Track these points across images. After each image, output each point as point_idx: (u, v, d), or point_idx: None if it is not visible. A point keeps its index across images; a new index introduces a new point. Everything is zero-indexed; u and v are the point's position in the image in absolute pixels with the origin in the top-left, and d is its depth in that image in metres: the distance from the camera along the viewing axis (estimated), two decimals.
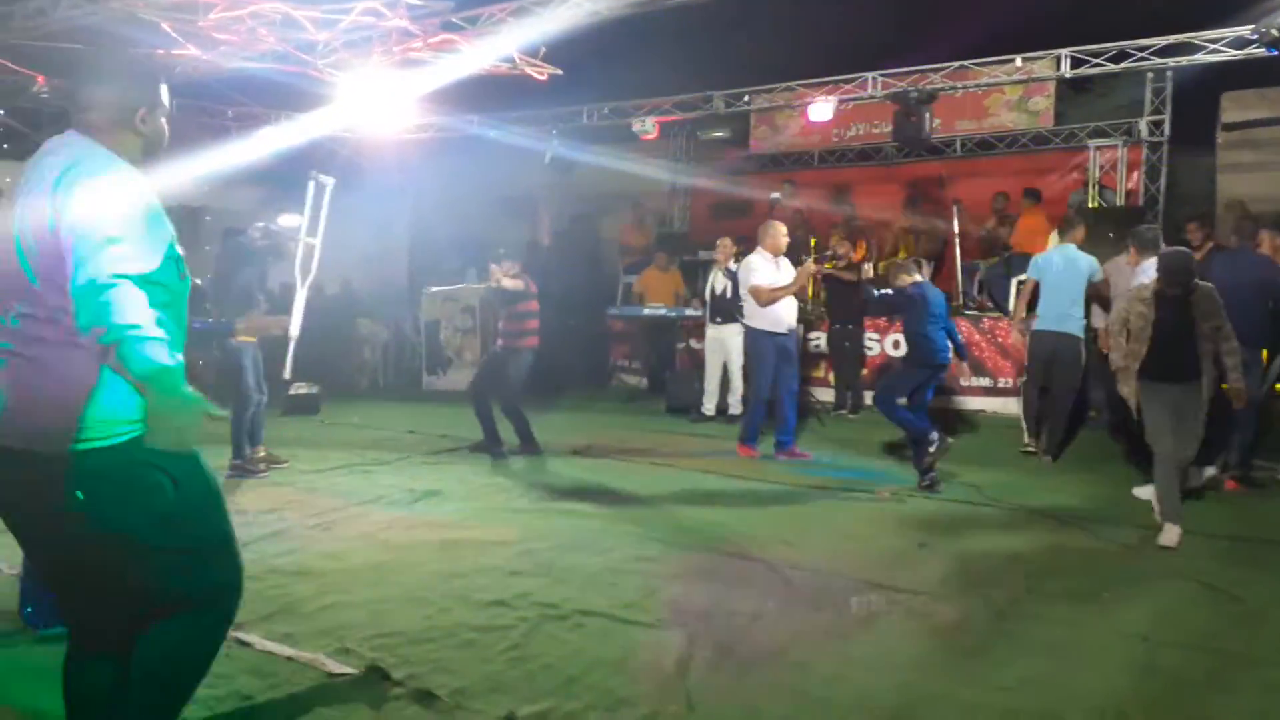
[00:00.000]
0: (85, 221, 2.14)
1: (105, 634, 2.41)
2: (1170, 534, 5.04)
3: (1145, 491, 5.87)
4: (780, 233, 7.56)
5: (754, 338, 7.52)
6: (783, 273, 7.48)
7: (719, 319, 9.25)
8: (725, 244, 9.42)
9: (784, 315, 7.46)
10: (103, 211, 2.16)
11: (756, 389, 7.56)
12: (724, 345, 9.23)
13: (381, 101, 9.09)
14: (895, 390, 6.70)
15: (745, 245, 11.72)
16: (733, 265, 9.39)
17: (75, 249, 2.12)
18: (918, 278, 6.72)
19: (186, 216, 13.75)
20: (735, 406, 9.33)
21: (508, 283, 7.06)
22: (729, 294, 9.17)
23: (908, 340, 6.82)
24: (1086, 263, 7.30)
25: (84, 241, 2.12)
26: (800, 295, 8.01)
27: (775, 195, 12.05)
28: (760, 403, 7.53)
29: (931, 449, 6.42)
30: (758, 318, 7.43)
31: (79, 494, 2.22)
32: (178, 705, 2.43)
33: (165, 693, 2.39)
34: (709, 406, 9.43)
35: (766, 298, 7.30)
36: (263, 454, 6.87)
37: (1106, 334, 7.44)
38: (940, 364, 6.61)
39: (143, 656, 2.34)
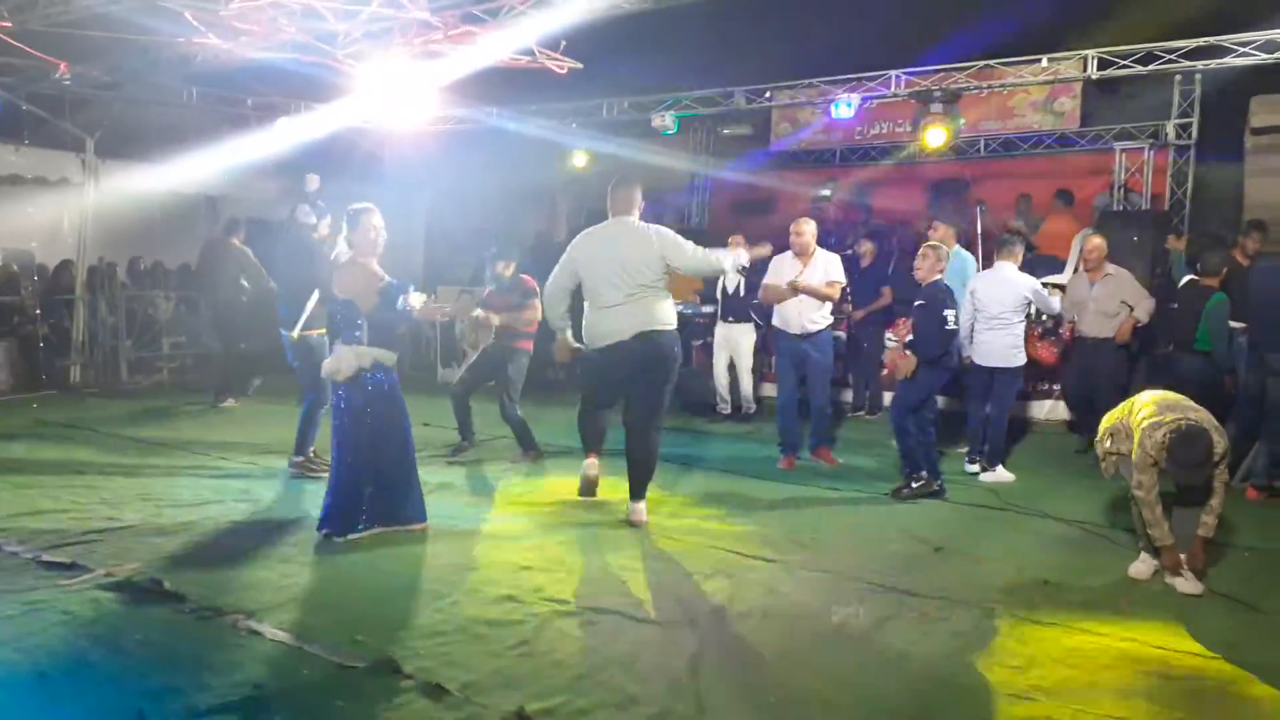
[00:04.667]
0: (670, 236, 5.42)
1: (642, 421, 5.42)
2: (1142, 566, 4.77)
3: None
4: (795, 231, 7.17)
5: (773, 338, 7.45)
6: (811, 270, 7.00)
7: (731, 318, 9.17)
8: (738, 241, 9.35)
9: (798, 318, 7.00)
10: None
11: (777, 392, 7.36)
12: (733, 344, 9.16)
13: (401, 93, 9.08)
14: (915, 402, 6.25)
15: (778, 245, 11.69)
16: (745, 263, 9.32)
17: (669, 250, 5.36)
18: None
19: (205, 206, 13.83)
20: (749, 404, 9.27)
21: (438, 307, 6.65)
22: (741, 292, 9.10)
23: (932, 339, 6.17)
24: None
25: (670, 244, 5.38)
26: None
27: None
28: (781, 406, 7.20)
29: (915, 485, 6.22)
30: (775, 318, 7.26)
31: (649, 358, 5.29)
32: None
33: (655, 458, 5.54)
34: (724, 405, 9.37)
35: (768, 299, 7.21)
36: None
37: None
38: (956, 366, 6.41)
39: (647, 441, 5.43)
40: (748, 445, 8.03)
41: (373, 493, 5.11)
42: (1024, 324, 6.80)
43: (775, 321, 7.25)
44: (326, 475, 6.36)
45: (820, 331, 7.06)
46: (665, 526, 5.48)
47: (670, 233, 5.45)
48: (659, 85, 10.80)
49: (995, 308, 6.71)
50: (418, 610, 4.05)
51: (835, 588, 4.51)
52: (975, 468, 6.97)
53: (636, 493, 5.51)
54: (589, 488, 5.63)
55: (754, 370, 9.57)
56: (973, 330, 6.91)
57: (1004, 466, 6.92)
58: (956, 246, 7.78)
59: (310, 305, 6.47)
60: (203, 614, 3.92)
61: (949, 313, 6.11)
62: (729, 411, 9.34)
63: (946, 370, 6.34)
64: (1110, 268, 7.25)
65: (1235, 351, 7.09)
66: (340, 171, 12.79)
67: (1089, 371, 7.35)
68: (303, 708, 3.17)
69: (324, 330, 6.54)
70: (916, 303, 6.34)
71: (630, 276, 5.29)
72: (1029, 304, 6.88)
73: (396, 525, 5.16)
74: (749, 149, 13.98)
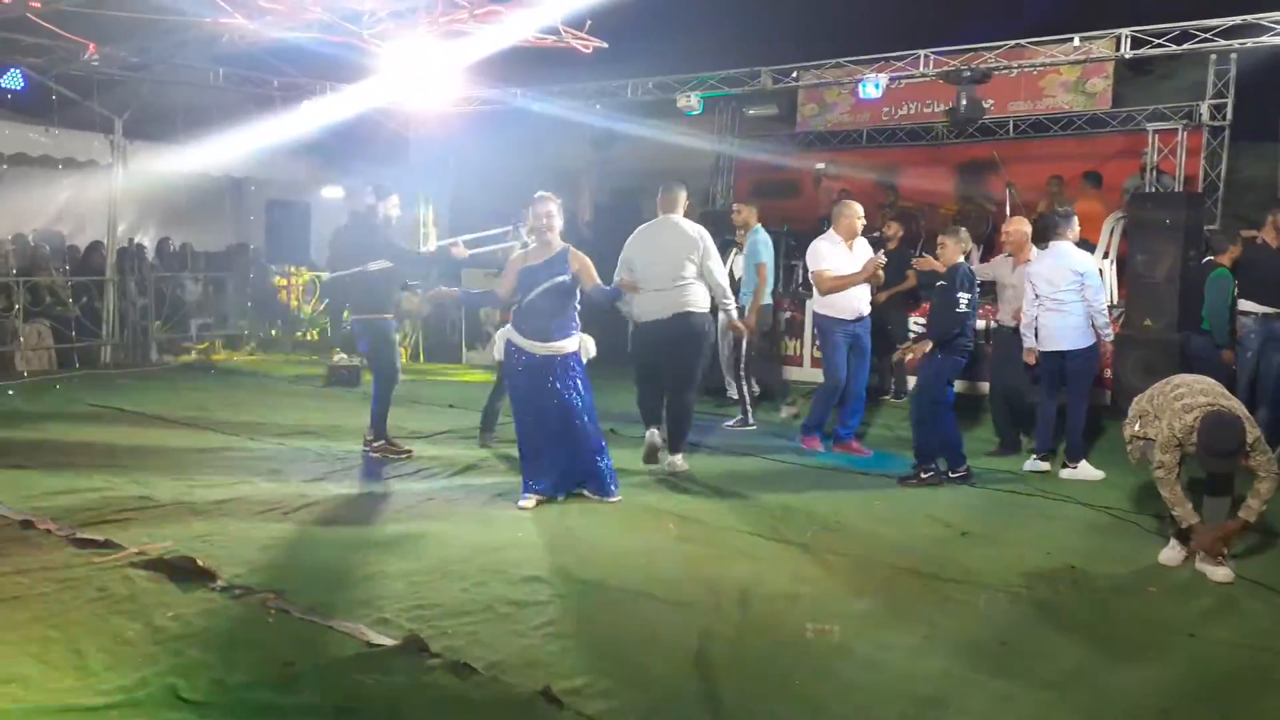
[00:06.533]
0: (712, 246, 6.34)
1: (676, 385, 6.21)
2: (1172, 553, 4.71)
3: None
4: (856, 214, 6.98)
5: (822, 325, 7.12)
6: (855, 255, 6.97)
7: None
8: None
9: (854, 302, 6.93)
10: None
11: (826, 377, 7.11)
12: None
13: (426, 74, 9.07)
14: (937, 389, 6.21)
15: (793, 224, 11.57)
16: None
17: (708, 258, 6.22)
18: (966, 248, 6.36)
19: (230, 187, 13.90)
20: (756, 388, 9.21)
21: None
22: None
23: (943, 319, 6.18)
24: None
25: (710, 253, 6.25)
26: (873, 283, 7.28)
27: (820, 166, 11.83)
28: (829, 392, 7.06)
29: (924, 476, 6.15)
30: (825, 304, 6.98)
31: (683, 335, 6.10)
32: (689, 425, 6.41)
33: (689, 418, 6.35)
34: (733, 390, 9.34)
35: (828, 286, 6.86)
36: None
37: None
38: (971, 351, 6.34)
39: (682, 403, 6.22)
40: (764, 428, 8.02)
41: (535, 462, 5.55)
42: (1083, 303, 6.33)
43: (824, 310, 6.98)
44: (403, 458, 6.47)
45: (868, 315, 7.10)
46: (689, 508, 5.49)
47: (712, 243, 6.34)
48: (684, 65, 10.72)
49: (1048, 288, 6.42)
50: (445, 590, 4.08)
51: (860, 571, 4.50)
52: (1045, 465, 6.57)
53: (674, 447, 6.29)
54: (651, 454, 6.25)
55: (777, 353, 9.52)
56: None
57: (1088, 462, 6.50)
58: (757, 226, 8.01)
59: (379, 264, 6.44)
60: (234, 592, 3.97)
61: (963, 295, 6.06)
62: (738, 397, 9.31)
63: (963, 355, 6.23)
64: (1034, 252, 6.86)
65: (1249, 333, 6.95)
66: (365, 152, 12.83)
67: (1007, 363, 7.01)
68: (332, 685, 3.20)
69: (389, 315, 6.60)
70: (938, 283, 6.29)
71: (671, 267, 6.11)
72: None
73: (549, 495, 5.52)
74: (775, 130, 13.87)
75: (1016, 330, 6.80)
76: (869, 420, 8.41)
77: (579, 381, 5.53)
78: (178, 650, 3.42)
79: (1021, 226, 7.00)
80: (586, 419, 5.54)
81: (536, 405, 5.48)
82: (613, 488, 5.60)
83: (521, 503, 5.44)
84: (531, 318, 5.44)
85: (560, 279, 5.43)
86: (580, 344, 5.56)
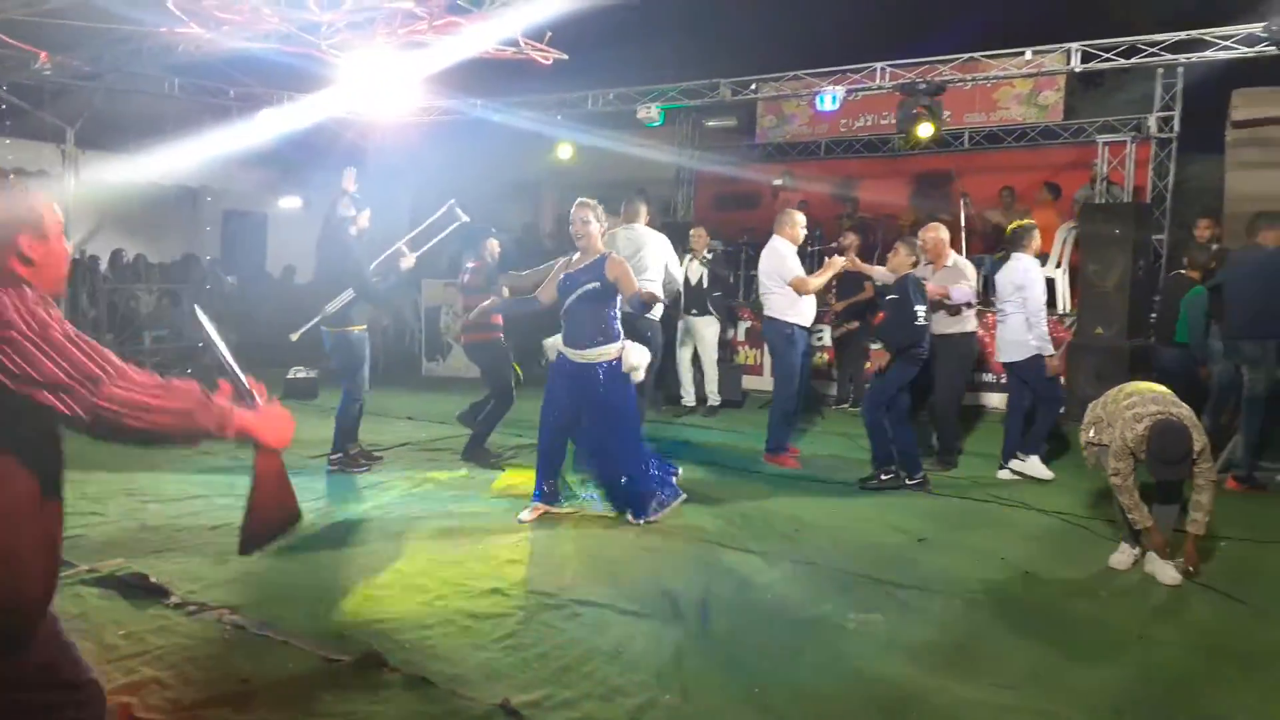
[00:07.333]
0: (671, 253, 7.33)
1: None
2: (1122, 557, 4.80)
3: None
4: (799, 223, 7.07)
5: (789, 333, 6.88)
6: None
7: (694, 310, 9.14)
8: (700, 233, 9.38)
9: (810, 309, 7.03)
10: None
11: (786, 391, 6.95)
12: (697, 336, 9.16)
13: (385, 84, 9.02)
14: (887, 395, 6.27)
15: (753, 235, 11.65)
16: (708, 254, 9.33)
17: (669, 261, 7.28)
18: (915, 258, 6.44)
19: (185, 197, 13.73)
20: (714, 397, 9.26)
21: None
22: (704, 284, 9.11)
23: (901, 331, 6.19)
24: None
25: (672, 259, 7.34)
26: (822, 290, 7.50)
27: (777, 181, 11.95)
28: (790, 410, 7.00)
29: (884, 478, 6.27)
30: (792, 311, 6.85)
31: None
32: None
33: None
34: (689, 398, 9.39)
35: (811, 289, 6.81)
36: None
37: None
38: (927, 358, 6.36)
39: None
40: (724, 437, 8.06)
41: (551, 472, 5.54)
42: (1020, 316, 6.49)
43: (795, 318, 6.89)
44: (367, 470, 6.40)
45: None
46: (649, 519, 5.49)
47: (671, 249, 6.93)
48: (644, 77, 10.78)
49: (1001, 298, 6.69)
50: (403, 604, 4.05)
51: (818, 579, 4.53)
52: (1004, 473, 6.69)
53: None
54: None
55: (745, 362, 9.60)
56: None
57: (1018, 460, 6.63)
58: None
59: (341, 301, 6.31)
60: (188, 609, 3.91)
61: (919, 308, 6.12)
62: (693, 404, 9.36)
63: (917, 362, 6.29)
64: (952, 259, 6.86)
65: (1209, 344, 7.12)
66: (322, 163, 12.71)
67: (938, 369, 6.97)
68: (289, 701, 3.17)
69: (363, 326, 6.50)
70: (888, 296, 6.38)
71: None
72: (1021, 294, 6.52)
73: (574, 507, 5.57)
74: (734, 142, 13.98)
75: (939, 336, 6.82)
76: (829, 430, 8.50)
77: (612, 396, 5.29)
78: (130, 668, 3.36)
79: (938, 234, 6.93)
80: (617, 437, 5.34)
81: (563, 410, 5.40)
82: (640, 515, 5.34)
83: (522, 515, 5.39)
84: (569, 324, 5.37)
85: (590, 286, 5.24)
86: (622, 354, 5.30)
